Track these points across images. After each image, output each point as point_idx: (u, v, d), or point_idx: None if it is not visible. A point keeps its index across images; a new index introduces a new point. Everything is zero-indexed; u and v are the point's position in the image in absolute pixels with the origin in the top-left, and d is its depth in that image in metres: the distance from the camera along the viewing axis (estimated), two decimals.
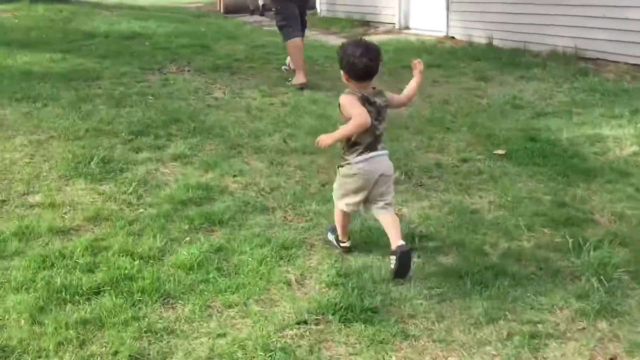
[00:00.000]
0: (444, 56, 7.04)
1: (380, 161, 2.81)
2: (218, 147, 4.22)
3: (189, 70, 6.27)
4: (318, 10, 11.60)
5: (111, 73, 5.98)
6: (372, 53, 2.76)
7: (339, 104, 2.80)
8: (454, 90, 5.70)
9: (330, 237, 3.02)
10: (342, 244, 2.95)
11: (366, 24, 10.08)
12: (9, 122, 4.50)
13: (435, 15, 8.82)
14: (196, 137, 4.37)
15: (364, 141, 2.75)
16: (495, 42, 7.51)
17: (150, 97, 5.26)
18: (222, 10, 12.17)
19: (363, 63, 2.72)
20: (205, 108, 5.06)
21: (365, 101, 2.72)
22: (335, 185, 2.95)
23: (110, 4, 11.79)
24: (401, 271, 2.63)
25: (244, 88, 5.67)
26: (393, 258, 2.63)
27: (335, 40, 8.93)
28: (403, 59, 6.85)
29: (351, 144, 2.77)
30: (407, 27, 9.51)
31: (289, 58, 6.16)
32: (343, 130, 2.74)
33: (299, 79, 5.76)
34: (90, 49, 6.98)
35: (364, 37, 3.08)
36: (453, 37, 8.42)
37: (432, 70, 6.38)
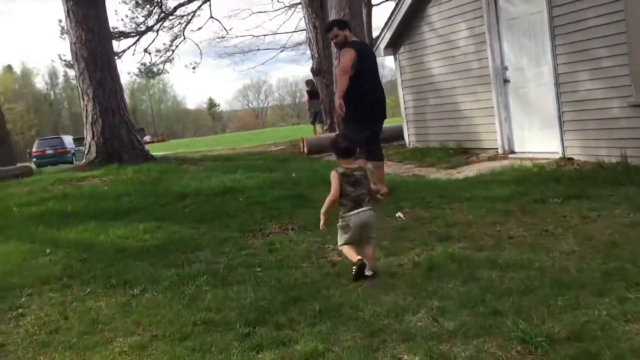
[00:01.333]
0: (577, 184, 6.12)
1: (363, 215, 4.11)
2: (355, 336, 3.36)
3: (293, 229, 5.62)
4: (407, 142, 11.10)
5: (210, 240, 5.40)
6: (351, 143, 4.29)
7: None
8: (614, 228, 4.71)
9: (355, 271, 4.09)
10: (359, 262, 4.07)
11: (464, 151, 9.39)
12: (105, 319, 3.86)
13: (545, 136, 8.05)
14: (325, 322, 3.54)
15: (347, 203, 4.10)
16: (630, 160, 6.57)
17: (259, 269, 4.57)
18: (306, 152, 11.88)
19: (343, 146, 4.21)
20: (325, 278, 4.28)
21: (345, 177, 4.09)
22: (338, 237, 4.26)
23: (195, 157, 11.75)
24: (357, 279, 4.04)
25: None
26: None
27: (437, 173, 8.24)
28: (531, 192, 6.01)
29: (340, 205, 4.13)
30: (512, 152, 8.74)
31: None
32: (324, 207, 4.19)
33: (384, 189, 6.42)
34: (184, 213, 6.54)
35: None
36: (570, 158, 7.54)
37: (572, 203, 5.46)
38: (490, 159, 8.68)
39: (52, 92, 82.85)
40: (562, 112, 7.65)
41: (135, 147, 11.27)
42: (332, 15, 15.09)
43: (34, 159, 31.12)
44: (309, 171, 9.02)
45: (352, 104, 6.36)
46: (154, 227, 5.96)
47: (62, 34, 19.87)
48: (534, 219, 5.17)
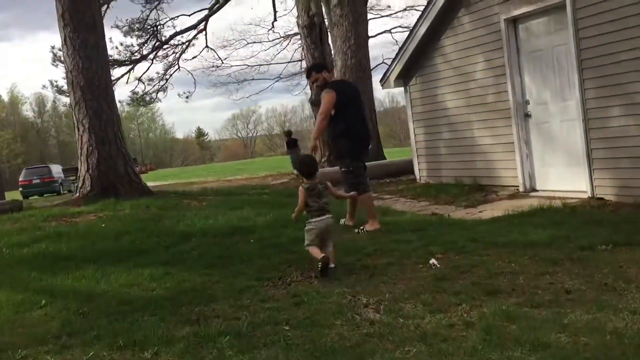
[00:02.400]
0: (621, 228, 5.66)
1: (325, 221, 5.15)
2: None
3: (317, 277, 5.08)
4: (417, 177, 10.64)
5: (226, 291, 4.84)
6: (310, 163, 5.35)
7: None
8: None
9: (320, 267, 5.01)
10: (322, 256, 5.01)
11: (481, 188, 8.95)
12: None
13: (571, 174, 7.64)
14: None
15: (312, 211, 5.15)
16: None
17: (287, 327, 4.01)
18: None
19: (305, 169, 5.25)
20: (366, 341, 3.74)
21: (309, 190, 5.14)
22: (305, 238, 5.20)
23: (195, 191, 11.21)
24: (323, 274, 4.98)
25: (400, 300, 4.37)
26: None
27: (457, 212, 7.77)
28: (573, 237, 5.53)
29: (307, 212, 5.18)
30: (533, 189, 8.32)
31: (345, 218, 6.94)
32: (294, 214, 5.32)
33: (374, 225, 6.56)
34: (192, 256, 5.98)
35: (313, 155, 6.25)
36: (601, 198, 7.11)
37: (624, 251, 5.00)
38: (510, 196, 8.23)
39: (39, 120, 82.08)
40: (591, 149, 7.24)
41: (132, 180, 10.71)
42: (338, 46, 14.85)
43: (21, 189, 30.38)
44: None
45: (343, 139, 6.67)
46: (160, 274, 5.39)
47: (54, 62, 19.44)
48: (587, 269, 4.68)
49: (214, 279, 5.20)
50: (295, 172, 16.50)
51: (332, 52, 15.57)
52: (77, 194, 10.68)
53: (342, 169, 6.79)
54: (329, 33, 16.10)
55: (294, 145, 17.11)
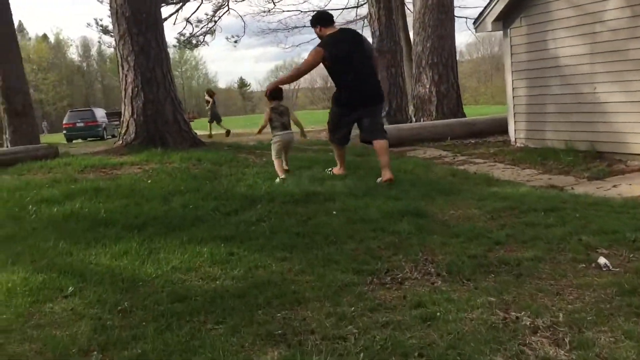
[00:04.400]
0: None
1: (287, 135, 6.57)
2: None
3: (439, 274, 3.69)
4: (512, 139, 9.04)
5: (316, 288, 3.50)
6: (277, 89, 6.63)
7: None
8: None
9: (277, 180, 6.16)
10: (281, 177, 6.23)
11: (600, 156, 7.34)
12: None
13: None
14: None
15: (276, 126, 6.52)
16: None
17: None
18: None
19: (273, 93, 6.56)
20: None
21: (274, 110, 6.51)
22: (272, 151, 6.57)
23: (251, 144, 9.89)
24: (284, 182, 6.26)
25: (583, 324, 2.94)
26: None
27: (582, 186, 6.22)
28: None
29: (272, 128, 6.54)
30: None
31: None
32: (260, 125, 6.75)
33: (340, 170, 6.73)
34: (261, 230, 4.65)
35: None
36: None
37: None
38: None
39: (84, 64, 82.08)
40: None
41: (182, 128, 9.44)
42: None
43: (64, 131, 29.80)
44: (405, 172, 7.08)
45: (336, 92, 6.56)
46: (224, 255, 4.09)
47: None
48: None
49: (295, 266, 3.87)
50: (210, 123, 18.58)
51: None
52: (120, 141, 9.48)
53: (330, 119, 6.71)
54: None
55: (214, 103, 19.21)
